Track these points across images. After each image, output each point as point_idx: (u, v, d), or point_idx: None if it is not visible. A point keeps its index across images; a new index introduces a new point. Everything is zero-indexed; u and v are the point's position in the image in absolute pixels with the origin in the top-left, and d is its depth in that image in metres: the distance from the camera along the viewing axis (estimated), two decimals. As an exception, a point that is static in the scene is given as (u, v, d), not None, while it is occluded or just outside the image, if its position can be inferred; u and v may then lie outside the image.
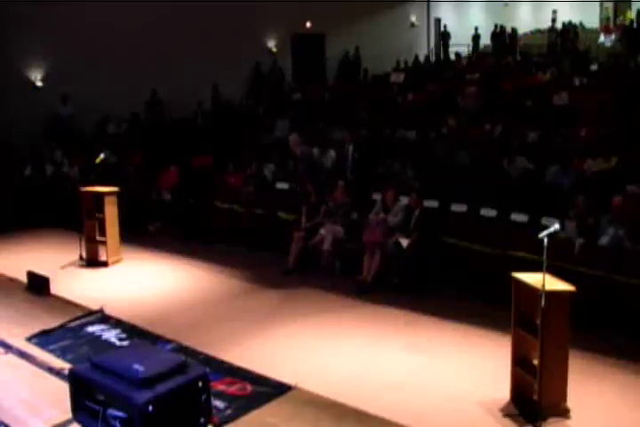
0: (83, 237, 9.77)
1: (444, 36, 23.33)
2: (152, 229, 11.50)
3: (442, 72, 18.87)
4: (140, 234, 11.05)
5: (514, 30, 25.03)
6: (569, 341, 5.21)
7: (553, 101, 13.13)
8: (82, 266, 9.66)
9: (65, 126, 15.01)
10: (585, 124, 11.36)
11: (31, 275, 8.43)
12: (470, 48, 24.50)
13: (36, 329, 6.92)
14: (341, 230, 8.95)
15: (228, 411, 5.20)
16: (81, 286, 8.74)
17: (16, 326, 7.06)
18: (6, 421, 5.00)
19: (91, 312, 7.47)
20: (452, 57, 22.48)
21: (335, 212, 9.16)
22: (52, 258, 9.88)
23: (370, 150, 11.67)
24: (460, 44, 23.73)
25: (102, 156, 10.62)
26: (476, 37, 24.49)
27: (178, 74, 16.22)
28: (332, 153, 11.11)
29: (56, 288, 8.27)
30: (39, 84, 15.05)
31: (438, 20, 25.98)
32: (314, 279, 8.76)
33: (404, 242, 8.27)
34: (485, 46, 25.27)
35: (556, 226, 5.27)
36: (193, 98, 16.34)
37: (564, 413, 5.21)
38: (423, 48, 24.71)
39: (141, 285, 8.82)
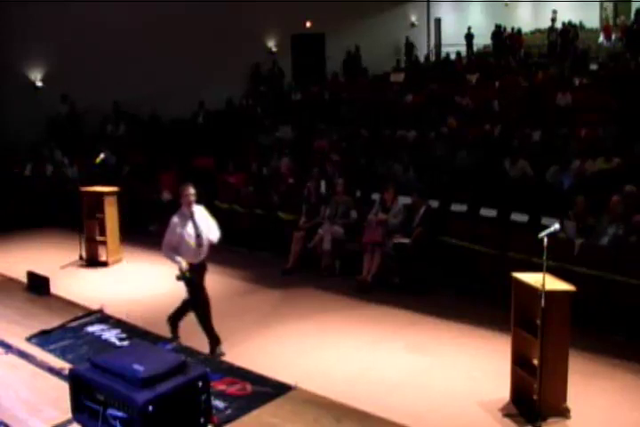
0: (83, 237, 9.77)
1: (407, 47, 23.28)
2: (152, 230, 11.49)
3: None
4: (139, 234, 11.05)
5: (518, 30, 25.02)
6: (569, 341, 5.21)
7: (556, 101, 13.14)
8: (82, 266, 9.66)
9: (65, 126, 15.02)
10: (585, 124, 11.37)
11: (31, 275, 8.43)
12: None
13: (36, 329, 6.91)
14: (341, 231, 8.95)
15: (228, 411, 5.20)
16: (81, 286, 8.75)
17: (16, 326, 7.05)
18: (6, 421, 4.99)
19: (90, 312, 7.47)
20: (423, 60, 22.55)
21: (335, 210, 9.15)
22: (52, 258, 9.88)
23: (369, 151, 11.69)
24: (460, 44, 23.75)
25: (102, 156, 10.62)
26: (469, 37, 24.43)
27: (178, 74, 16.23)
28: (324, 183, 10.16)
29: (56, 288, 8.27)
30: (39, 84, 15.05)
31: (438, 20, 25.98)
32: (314, 279, 8.75)
33: (406, 241, 8.25)
34: (486, 46, 25.30)
35: (556, 226, 5.27)
36: (193, 98, 16.36)
37: (564, 413, 5.21)
38: (423, 48, 24.72)
39: (141, 285, 8.82)
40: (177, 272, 6.33)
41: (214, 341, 6.43)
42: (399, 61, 21.87)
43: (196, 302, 6.48)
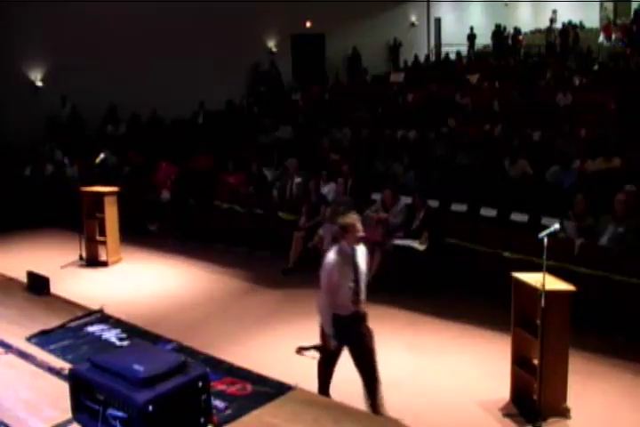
0: (83, 237, 9.77)
1: (393, 49, 23.34)
2: (152, 229, 11.51)
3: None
4: (140, 234, 11.05)
5: (517, 30, 25.03)
6: (569, 341, 5.21)
7: (556, 101, 13.14)
8: (82, 266, 9.67)
9: (65, 126, 15.04)
10: (585, 124, 11.37)
11: (31, 275, 8.40)
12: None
13: (36, 329, 6.89)
14: (341, 230, 8.92)
15: (228, 411, 5.18)
16: (81, 285, 8.74)
17: (16, 326, 7.03)
18: (6, 421, 4.99)
19: (91, 312, 7.46)
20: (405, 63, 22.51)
21: (335, 210, 9.13)
22: (52, 258, 9.87)
23: (369, 151, 11.69)
24: (460, 44, 23.77)
25: (102, 156, 10.63)
26: (472, 37, 24.50)
27: (178, 74, 16.24)
28: (333, 185, 10.00)
29: (56, 288, 8.22)
30: (39, 84, 15.06)
31: (438, 20, 26.01)
32: (314, 279, 8.72)
33: (417, 244, 8.19)
34: (486, 46, 25.32)
35: (556, 226, 5.27)
36: (193, 98, 16.37)
37: (564, 413, 5.21)
38: (423, 48, 24.73)
39: (141, 285, 8.82)
40: (305, 344, 5.27)
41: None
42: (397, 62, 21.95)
43: (365, 364, 5.22)
